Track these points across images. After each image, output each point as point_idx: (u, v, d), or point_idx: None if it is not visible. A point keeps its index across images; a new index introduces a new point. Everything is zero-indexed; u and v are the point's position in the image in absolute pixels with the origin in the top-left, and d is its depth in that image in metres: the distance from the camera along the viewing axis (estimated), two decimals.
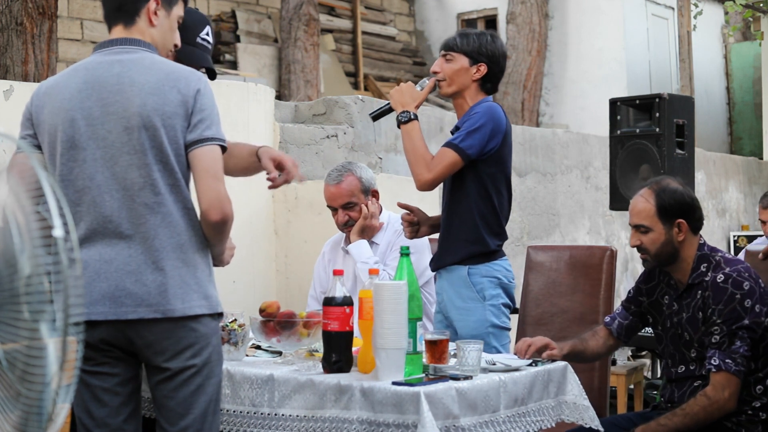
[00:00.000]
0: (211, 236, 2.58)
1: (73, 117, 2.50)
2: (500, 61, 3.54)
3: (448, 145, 3.41)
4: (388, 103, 3.57)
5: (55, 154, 2.51)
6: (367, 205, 3.98)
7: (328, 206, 4.05)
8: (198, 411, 2.55)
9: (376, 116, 3.64)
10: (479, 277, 3.46)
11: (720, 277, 3.04)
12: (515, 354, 3.13)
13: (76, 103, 2.50)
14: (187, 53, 2.90)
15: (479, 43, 3.51)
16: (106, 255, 2.48)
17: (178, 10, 2.64)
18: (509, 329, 3.55)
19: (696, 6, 11.19)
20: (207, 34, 2.95)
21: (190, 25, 2.91)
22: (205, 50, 2.97)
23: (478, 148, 3.38)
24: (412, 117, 3.47)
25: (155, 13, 2.59)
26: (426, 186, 3.44)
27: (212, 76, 3.01)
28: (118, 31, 2.60)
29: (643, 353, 6.01)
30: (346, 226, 4.00)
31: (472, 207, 3.43)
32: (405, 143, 3.47)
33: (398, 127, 3.49)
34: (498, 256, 3.51)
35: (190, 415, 2.55)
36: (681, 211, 3.10)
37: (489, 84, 3.55)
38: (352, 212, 3.98)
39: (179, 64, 2.61)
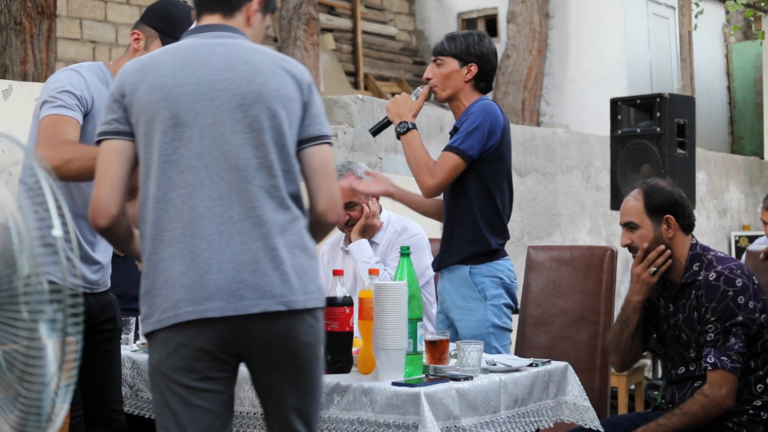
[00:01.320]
0: (318, 237, 2.42)
1: (177, 93, 2.28)
2: (490, 59, 3.56)
3: (449, 148, 3.42)
4: (386, 117, 3.62)
5: (153, 134, 2.27)
6: (368, 205, 3.98)
7: None
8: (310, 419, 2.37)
9: (376, 131, 3.69)
10: (481, 276, 3.46)
11: (712, 276, 3.05)
12: None
13: (180, 79, 2.29)
14: None
15: (466, 43, 3.54)
16: (216, 243, 2.23)
17: (268, 20, 2.55)
18: (510, 330, 3.55)
19: (697, 5, 11.19)
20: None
21: (182, 19, 2.89)
22: None
23: (478, 147, 3.39)
24: (410, 127, 3.51)
25: (254, 13, 2.45)
26: (431, 192, 3.47)
27: None
28: (214, 19, 2.42)
29: (644, 354, 6.00)
30: (346, 226, 4.00)
31: (474, 206, 3.44)
32: (406, 153, 3.51)
33: (398, 138, 3.53)
34: (500, 255, 3.50)
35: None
36: (669, 207, 3.12)
37: (482, 83, 3.56)
38: (352, 212, 3.98)
39: None
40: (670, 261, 3.13)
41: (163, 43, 2.86)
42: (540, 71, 11.53)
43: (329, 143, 2.39)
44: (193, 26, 2.46)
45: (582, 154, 7.82)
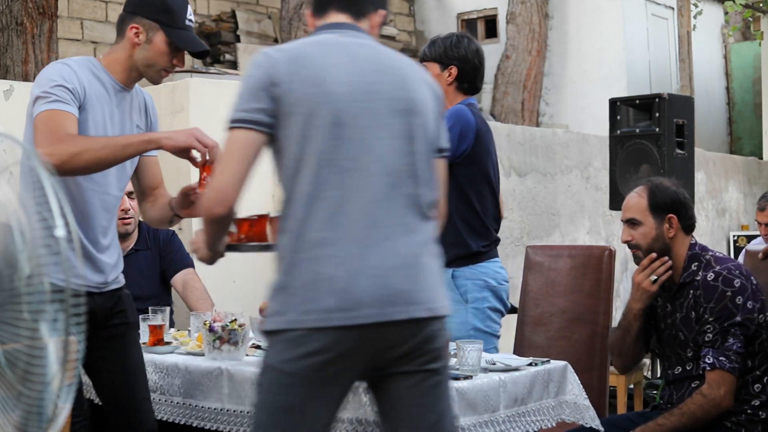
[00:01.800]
0: None
1: (337, 91, 2.21)
2: (471, 60, 3.58)
3: None
4: None
5: (311, 129, 2.19)
6: None
7: None
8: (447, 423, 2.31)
9: None
10: (463, 279, 3.47)
11: (710, 276, 3.06)
12: None
13: (337, 76, 2.22)
14: (183, 38, 2.85)
15: (444, 46, 3.58)
16: (367, 248, 2.18)
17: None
18: (497, 335, 3.54)
19: (696, 6, 11.19)
20: (191, 14, 2.91)
21: (177, 8, 2.86)
22: (192, 30, 2.93)
23: (450, 153, 3.41)
24: None
25: (377, 26, 2.42)
26: None
27: (205, 55, 2.97)
28: (344, 18, 2.36)
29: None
30: None
31: (452, 210, 3.43)
32: None
33: None
34: (484, 257, 3.50)
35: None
36: (672, 206, 3.13)
37: (465, 84, 3.58)
38: None
39: None
40: (670, 272, 3.14)
41: (167, 35, 2.83)
42: (539, 71, 11.53)
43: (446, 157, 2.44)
44: (326, 21, 2.37)
45: (581, 154, 7.83)
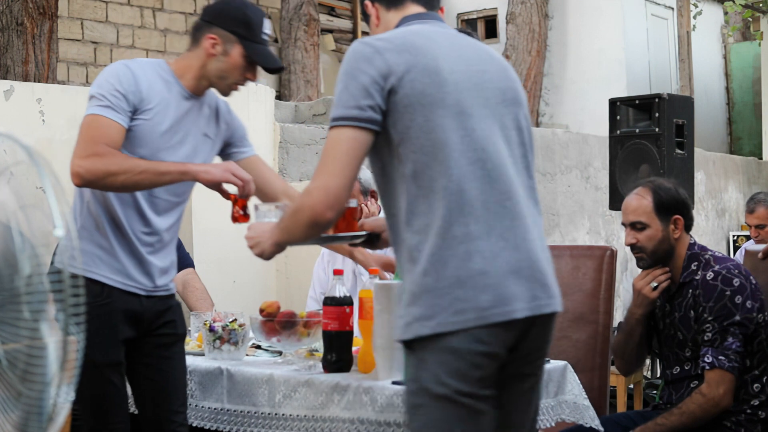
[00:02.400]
0: None
1: (455, 80, 2.11)
2: None
3: None
4: None
5: (435, 119, 2.08)
6: (366, 205, 3.99)
7: None
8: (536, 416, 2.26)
9: None
10: None
11: (710, 275, 3.05)
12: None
13: (451, 64, 2.12)
14: (259, 52, 2.80)
15: None
16: (511, 242, 2.09)
17: None
18: None
19: (695, 6, 11.19)
20: (268, 29, 2.84)
21: (256, 22, 2.80)
22: (268, 44, 2.85)
23: None
24: None
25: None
26: None
27: (280, 71, 2.88)
28: (421, 9, 2.28)
29: None
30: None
31: None
32: None
33: None
34: None
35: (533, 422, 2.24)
36: (677, 207, 3.12)
37: None
38: None
39: None
40: (670, 281, 3.14)
41: (245, 48, 2.77)
42: (539, 72, 11.53)
43: None
44: (406, 13, 2.28)
45: (581, 155, 7.83)
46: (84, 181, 2.63)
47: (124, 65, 2.75)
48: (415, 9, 2.28)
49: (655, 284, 3.13)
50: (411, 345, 2.06)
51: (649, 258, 3.15)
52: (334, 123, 2.08)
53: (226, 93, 2.86)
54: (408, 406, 2.10)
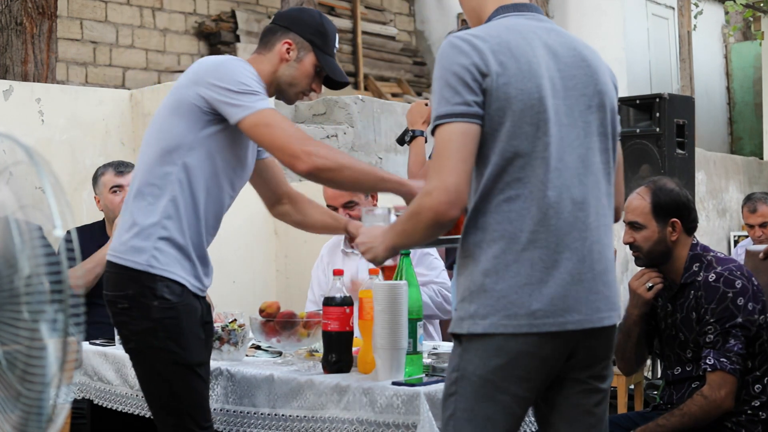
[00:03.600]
0: None
1: (544, 85, 2.10)
2: None
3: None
4: (406, 126, 3.98)
5: (523, 126, 2.08)
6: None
7: (327, 205, 4.04)
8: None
9: (400, 140, 4.06)
10: None
11: (712, 277, 3.05)
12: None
13: (543, 69, 2.12)
14: (330, 65, 2.82)
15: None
16: (578, 252, 2.10)
17: None
18: None
19: (696, 6, 11.19)
20: (338, 43, 2.86)
21: (331, 34, 2.82)
22: (336, 59, 2.89)
23: None
24: (415, 135, 3.84)
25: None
26: None
27: (344, 86, 2.89)
28: None
29: None
30: (345, 207, 3.99)
31: None
32: (409, 158, 3.75)
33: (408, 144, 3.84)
34: None
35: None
36: (676, 210, 3.11)
37: None
38: (352, 211, 3.97)
39: None
40: (661, 285, 3.15)
41: (317, 58, 2.78)
42: None
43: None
44: (501, 3, 2.23)
45: None
46: (315, 168, 2.54)
47: (243, 62, 2.70)
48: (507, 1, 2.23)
49: (650, 285, 3.13)
50: (460, 338, 2.11)
51: (644, 258, 3.16)
52: (441, 121, 2.07)
53: (292, 101, 2.86)
54: (444, 395, 2.15)
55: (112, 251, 2.70)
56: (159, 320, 2.61)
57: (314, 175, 2.57)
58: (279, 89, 2.83)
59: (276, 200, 3.07)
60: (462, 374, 2.10)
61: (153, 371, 2.67)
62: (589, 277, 2.10)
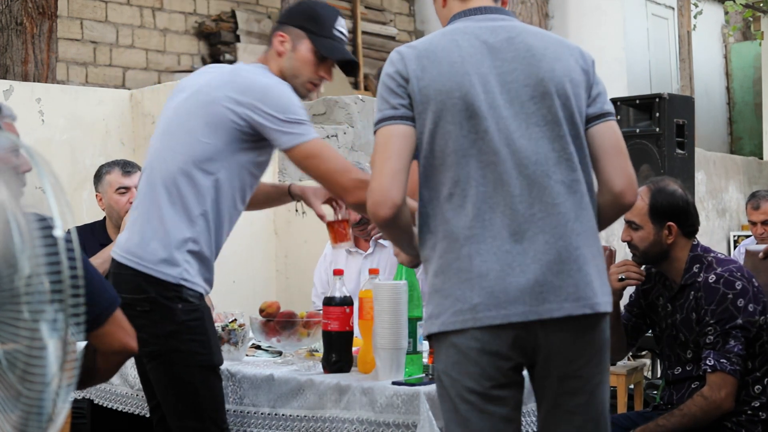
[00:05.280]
0: (608, 222, 2.32)
1: (470, 83, 2.14)
2: None
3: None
4: None
5: (444, 125, 2.13)
6: None
7: None
8: (603, 425, 2.22)
9: None
10: None
11: (712, 278, 3.05)
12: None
13: (469, 68, 2.15)
14: (328, 46, 2.77)
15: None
16: (518, 244, 2.10)
17: None
18: None
19: (696, 6, 11.18)
20: (342, 26, 2.81)
21: (325, 17, 2.79)
22: (342, 42, 2.81)
23: None
24: None
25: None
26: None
27: (353, 70, 2.85)
28: (485, 1, 2.29)
29: (643, 353, 6.01)
30: (359, 225, 3.98)
31: None
32: None
33: None
34: None
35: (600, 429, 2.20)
36: (673, 214, 3.10)
37: None
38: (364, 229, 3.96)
39: None
40: (636, 282, 3.16)
41: (312, 43, 2.76)
42: None
43: (614, 120, 2.26)
44: (465, 7, 2.29)
45: None
46: (363, 201, 2.47)
47: (279, 82, 2.70)
48: (475, 2, 2.28)
49: (623, 276, 3.13)
50: (430, 339, 2.20)
51: (641, 257, 3.17)
52: (374, 128, 2.18)
53: (303, 94, 2.80)
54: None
55: (131, 255, 2.65)
56: (184, 322, 2.60)
57: (363, 206, 2.57)
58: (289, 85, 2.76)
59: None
60: (438, 376, 2.18)
61: (175, 375, 2.64)
62: (534, 268, 2.08)
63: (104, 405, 3.36)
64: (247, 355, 3.20)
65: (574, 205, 2.14)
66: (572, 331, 2.13)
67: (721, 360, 2.98)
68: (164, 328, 2.61)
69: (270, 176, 5.38)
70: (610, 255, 3.98)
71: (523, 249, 2.09)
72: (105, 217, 4.26)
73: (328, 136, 5.71)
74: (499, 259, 2.08)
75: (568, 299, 2.10)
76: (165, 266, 2.60)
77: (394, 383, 2.64)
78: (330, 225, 2.97)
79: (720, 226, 9.54)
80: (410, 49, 2.19)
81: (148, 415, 3.18)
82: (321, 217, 2.93)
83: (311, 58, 2.77)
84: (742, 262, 3.48)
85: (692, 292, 3.09)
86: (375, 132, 2.17)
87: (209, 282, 2.71)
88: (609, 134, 2.23)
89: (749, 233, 7.04)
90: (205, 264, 2.67)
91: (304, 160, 2.60)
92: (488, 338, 2.08)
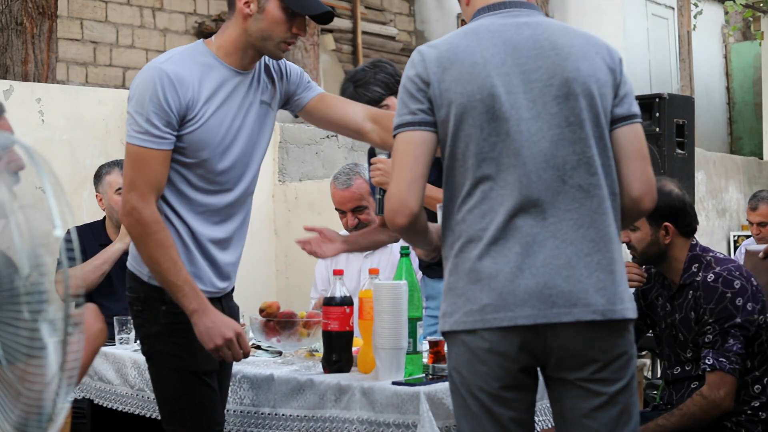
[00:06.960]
0: (626, 225, 2.28)
1: (491, 85, 2.10)
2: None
3: None
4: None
5: (465, 127, 2.10)
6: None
7: (336, 209, 4.04)
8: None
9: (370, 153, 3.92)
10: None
11: (710, 277, 3.05)
12: None
13: (492, 69, 2.11)
14: (297, 1, 2.55)
15: (386, 74, 3.35)
16: (528, 246, 2.08)
17: None
18: None
19: (696, 6, 11.18)
20: None
21: None
22: None
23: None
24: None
25: None
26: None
27: (328, 19, 2.60)
28: None
29: (643, 353, 6.01)
30: (356, 229, 3.99)
31: None
32: None
33: None
34: None
35: None
36: (669, 214, 3.11)
37: None
38: (361, 215, 3.97)
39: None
40: (637, 284, 3.17)
41: (282, 2, 2.53)
42: None
43: (640, 122, 2.21)
44: (488, 2, 2.23)
45: None
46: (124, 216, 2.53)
47: (162, 72, 2.51)
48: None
49: None
50: (443, 336, 2.20)
51: (639, 257, 3.19)
52: (393, 133, 2.17)
53: (277, 55, 2.62)
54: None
55: (130, 256, 2.69)
56: (166, 325, 2.59)
57: (124, 220, 2.58)
58: (256, 50, 2.59)
59: (350, 133, 2.86)
60: (449, 373, 2.19)
61: (160, 377, 2.64)
62: (544, 272, 2.07)
63: (104, 405, 3.36)
64: None
65: (589, 211, 2.11)
66: (586, 336, 2.09)
67: (720, 359, 2.98)
68: (151, 329, 2.62)
69: (270, 176, 5.38)
70: None
71: (534, 252, 2.08)
72: (105, 218, 4.27)
73: (328, 136, 5.71)
74: (509, 262, 2.08)
75: (577, 304, 2.07)
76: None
77: (394, 383, 2.64)
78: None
79: (720, 226, 9.54)
80: (432, 49, 2.16)
81: (148, 415, 3.18)
82: None
83: (281, 16, 2.55)
84: (742, 262, 3.48)
85: (691, 292, 3.10)
86: (394, 136, 2.16)
87: (197, 277, 2.58)
88: (632, 138, 2.20)
89: (749, 233, 7.05)
90: (190, 261, 2.58)
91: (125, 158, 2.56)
92: (496, 339, 2.08)
